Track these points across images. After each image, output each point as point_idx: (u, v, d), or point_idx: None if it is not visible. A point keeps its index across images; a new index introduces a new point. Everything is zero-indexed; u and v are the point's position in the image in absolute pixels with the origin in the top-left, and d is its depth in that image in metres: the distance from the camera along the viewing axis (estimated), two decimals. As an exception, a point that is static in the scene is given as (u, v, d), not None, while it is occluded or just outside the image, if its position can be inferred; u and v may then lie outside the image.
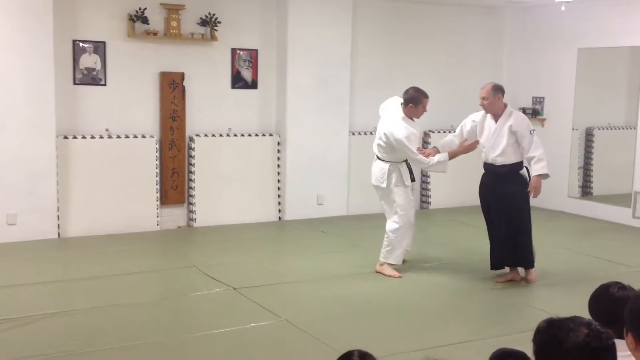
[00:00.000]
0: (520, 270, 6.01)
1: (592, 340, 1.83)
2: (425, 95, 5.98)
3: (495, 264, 6.03)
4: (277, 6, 8.19)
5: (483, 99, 5.82)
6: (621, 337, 2.12)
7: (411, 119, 5.97)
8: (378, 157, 6.12)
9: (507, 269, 6.04)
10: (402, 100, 6.01)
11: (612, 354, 1.85)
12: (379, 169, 6.09)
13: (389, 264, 6.06)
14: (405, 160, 6.06)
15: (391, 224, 6.04)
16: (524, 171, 5.91)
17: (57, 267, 6.30)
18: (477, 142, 5.94)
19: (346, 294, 5.61)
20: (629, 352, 2.11)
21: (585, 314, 2.68)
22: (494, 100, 5.79)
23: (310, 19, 8.17)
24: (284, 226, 8.17)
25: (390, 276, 6.00)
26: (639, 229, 8.11)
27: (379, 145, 6.07)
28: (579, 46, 8.83)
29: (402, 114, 5.96)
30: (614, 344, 1.86)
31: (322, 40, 8.24)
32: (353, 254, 6.82)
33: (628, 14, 8.24)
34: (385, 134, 5.94)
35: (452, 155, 5.98)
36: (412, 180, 6.13)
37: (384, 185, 6.04)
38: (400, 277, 5.99)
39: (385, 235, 6.09)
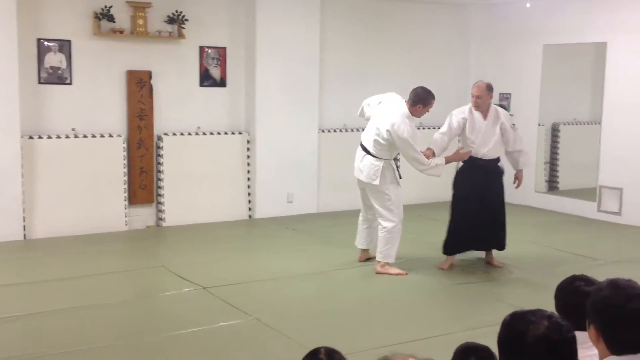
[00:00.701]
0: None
1: (551, 332, 1.85)
2: (434, 97, 5.98)
3: (460, 249, 6.25)
4: (245, 3, 8.16)
5: (478, 97, 6.03)
6: (585, 329, 2.16)
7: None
8: (369, 153, 5.99)
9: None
10: (408, 98, 5.94)
11: (572, 347, 1.88)
12: (372, 165, 5.94)
13: (389, 263, 6.03)
14: (394, 158, 6.07)
15: (387, 223, 5.98)
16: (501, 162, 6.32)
17: (23, 269, 6.22)
18: (470, 152, 6.07)
19: (315, 292, 5.63)
20: (591, 344, 2.15)
21: (550, 307, 2.73)
22: (487, 99, 6.07)
23: (279, 16, 8.16)
24: (254, 224, 8.15)
25: (398, 274, 5.97)
26: (604, 222, 8.25)
27: (375, 141, 5.92)
28: (545, 43, 8.95)
29: (407, 112, 5.89)
30: (574, 337, 1.89)
31: (291, 37, 8.23)
32: (323, 251, 6.83)
33: (592, 10, 8.37)
34: (388, 130, 5.81)
35: (447, 161, 6.04)
36: (400, 177, 6.14)
37: (377, 182, 5.91)
38: (407, 274, 6.01)
39: (382, 235, 6.02)
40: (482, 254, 6.43)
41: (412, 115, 5.93)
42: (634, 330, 2.03)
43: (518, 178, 6.35)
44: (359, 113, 6.42)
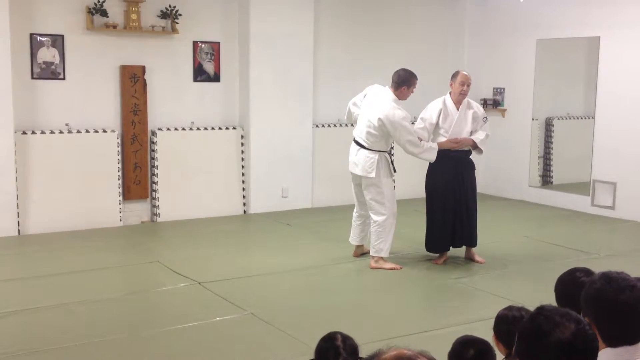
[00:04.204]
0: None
1: (576, 340, 1.76)
2: (416, 77, 6.02)
3: (444, 246, 6.23)
4: (239, -2, 8.16)
5: (468, 86, 6.08)
6: None
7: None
8: (363, 146, 5.97)
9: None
10: (392, 82, 5.96)
11: (594, 356, 1.80)
12: (367, 158, 5.93)
13: (383, 258, 6.03)
14: (389, 152, 6.06)
15: (378, 217, 5.98)
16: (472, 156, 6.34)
17: (17, 265, 6.21)
18: (458, 140, 6.07)
19: (311, 287, 5.63)
20: None
21: (545, 301, 2.74)
22: (470, 85, 6.14)
23: (272, 11, 8.15)
24: (249, 219, 8.15)
25: (392, 269, 5.98)
26: (598, 216, 8.28)
27: (368, 133, 5.92)
28: (538, 37, 8.96)
29: (393, 97, 5.91)
30: (597, 347, 1.82)
31: (284, 31, 8.22)
32: (318, 246, 6.83)
33: (585, 5, 8.38)
34: (380, 119, 5.81)
35: (439, 147, 6.03)
36: (394, 171, 6.13)
37: (373, 175, 5.90)
38: (401, 268, 6.02)
39: (374, 229, 6.02)
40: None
41: (399, 98, 5.95)
42: (628, 321, 2.04)
43: (462, 139, 6.06)
44: (346, 117, 6.44)
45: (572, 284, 2.64)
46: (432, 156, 6.01)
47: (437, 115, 6.11)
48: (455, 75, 6.14)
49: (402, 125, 5.81)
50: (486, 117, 6.26)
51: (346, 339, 2.46)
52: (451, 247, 6.29)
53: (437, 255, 6.29)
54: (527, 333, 1.84)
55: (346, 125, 8.51)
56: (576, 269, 2.73)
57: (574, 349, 1.75)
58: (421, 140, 5.94)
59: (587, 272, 2.68)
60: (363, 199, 6.15)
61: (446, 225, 6.14)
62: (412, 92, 6.05)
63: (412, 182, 8.74)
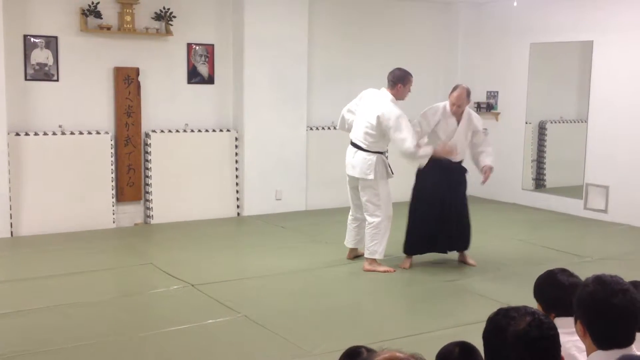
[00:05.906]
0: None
1: (532, 329, 1.86)
2: (411, 75, 6.01)
3: (415, 250, 6.19)
4: (233, 0, 8.15)
5: (459, 106, 5.99)
6: (567, 314, 2.20)
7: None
8: (361, 148, 5.95)
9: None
10: (387, 82, 5.96)
11: (553, 344, 1.89)
12: (365, 160, 5.91)
13: (377, 261, 6.03)
14: (385, 153, 6.07)
15: (373, 218, 5.97)
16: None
17: (10, 267, 6.19)
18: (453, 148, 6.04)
19: (304, 289, 5.63)
20: (574, 330, 2.19)
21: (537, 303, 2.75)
22: (465, 105, 6.05)
23: (267, 13, 8.15)
24: (243, 222, 8.15)
25: (385, 272, 5.97)
26: (591, 219, 8.31)
27: (366, 133, 5.90)
28: (532, 41, 8.99)
29: (390, 97, 5.91)
30: (555, 335, 1.90)
31: (279, 34, 8.23)
32: (312, 249, 6.83)
33: (578, 9, 8.42)
34: (378, 117, 5.80)
35: (434, 153, 5.98)
36: (392, 173, 6.10)
37: (371, 176, 5.89)
38: (395, 271, 6.02)
39: (368, 231, 6.02)
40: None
41: (396, 97, 5.95)
42: (620, 325, 2.06)
43: (485, 172, 6.14)
44: (339, 125, 6.42)
45: (550, 284, 2.67)
46: (424, 161, 5.98)
47: (432, 125, 6.07)
48: (453, 89, 6.06)
49: (399, 123, 5.79)
50: (486, 130, 6.23)
51: (371, 350, 2.30)
52: (447, 252, 6.28)
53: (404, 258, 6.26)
54: (487, 333, 1.95)
55: (340, 128, 8.53)
56: (556, 270, 2.76)
57: (530, 337, 1.86)
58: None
59: (565, 272, 2.72)
60: (359, 202, 6.15)
61: (428, 231, 6.07)
62: (409, 90, 6.04)
63: (406, 185, 8.76)
